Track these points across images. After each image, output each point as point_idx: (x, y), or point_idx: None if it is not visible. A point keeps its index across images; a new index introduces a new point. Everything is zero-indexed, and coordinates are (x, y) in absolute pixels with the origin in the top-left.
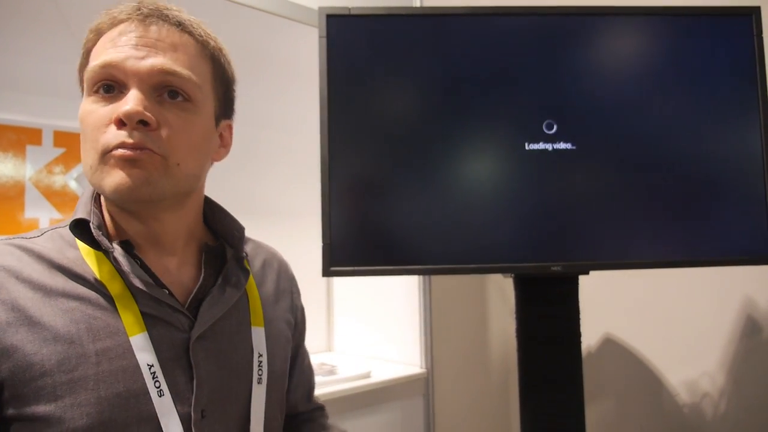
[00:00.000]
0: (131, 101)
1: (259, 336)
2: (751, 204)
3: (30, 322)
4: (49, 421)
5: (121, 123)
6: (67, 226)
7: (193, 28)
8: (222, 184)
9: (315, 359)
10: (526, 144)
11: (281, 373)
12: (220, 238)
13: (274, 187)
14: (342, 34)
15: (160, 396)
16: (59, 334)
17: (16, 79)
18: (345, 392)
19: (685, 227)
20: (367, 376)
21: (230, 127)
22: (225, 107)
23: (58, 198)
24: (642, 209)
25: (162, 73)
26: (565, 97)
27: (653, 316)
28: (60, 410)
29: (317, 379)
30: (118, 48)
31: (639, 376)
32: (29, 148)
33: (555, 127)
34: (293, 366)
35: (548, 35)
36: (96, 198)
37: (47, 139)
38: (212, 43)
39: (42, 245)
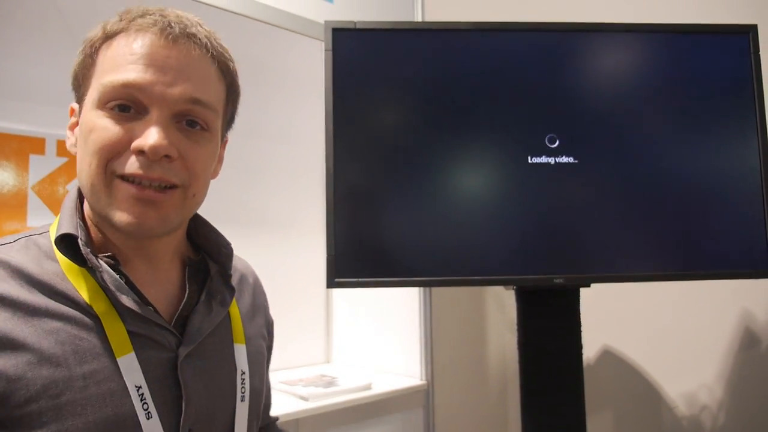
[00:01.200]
0: (155, 134)
1: (241, 353)
2: (749, 219)
3: (11, 345)
4: None
5: (140, 152)
6: (43, 234)
7: (216, 49)
8: (224, 196)
9: (314, 371)
10: (529, 158)
11: (260, 389)
12: (202, 252)
13: (276, 198)
14: (347, 48)
15: (148, 418)
16: (44, 356)
17: (19, 88)
18: (346, 404)
19: (684, 241)
20: (368, 387)
21: (226, 142)
22: (228, 125)
23: (60, 207)
24: (642, 223)
25: (190, 102)
26: (567, 111)
27: (652, 328)
28: None
29: (315, 390)
30: (143, 67)
31: (638, 388)
32: (32, 157)
33: (557, 142)
34: (266, 382)
35: (550, 51)
36: (79, 207)
37: (50, 148)
38: (231, 65)
39: (18, 257)
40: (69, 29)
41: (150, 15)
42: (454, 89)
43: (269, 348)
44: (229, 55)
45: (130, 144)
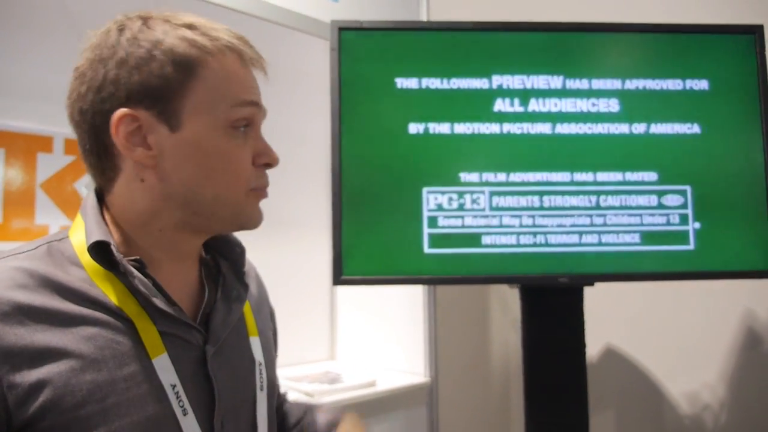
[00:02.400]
0: (273, 150)
1: (256, 345)
2: (754, 218)
3: (53, 354)
4: None
5: (264, 166)
6: (63, 240)
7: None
8: None
9: (318, 367)
10: (535, 157)
11: (274, 378)
12: (212, 251)
13: (281, 197)
14: (353, 47)
15: (184, 415)
16: (86, 362)
17: (26, 86)
18: (350, 400)
19: (690, 240)
20: (372, 384)
21: None
22: None
23: (68, 205)
24: (648, 221)
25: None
26: (572, 109)
27: (655, 327)
28: None
29: (320, 387)
30: (255, 88)
31: (640, 387)
32: (40, 155)
33: (563, 139)
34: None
35: (554, 50)
36: (102, 212)
37: (58, 146)
38: None
39: (43, 265)
40: (76, 29)
41: (237, 39)
42: (460, 88)
43: (274, 335)
44: None
45: (253, 160)
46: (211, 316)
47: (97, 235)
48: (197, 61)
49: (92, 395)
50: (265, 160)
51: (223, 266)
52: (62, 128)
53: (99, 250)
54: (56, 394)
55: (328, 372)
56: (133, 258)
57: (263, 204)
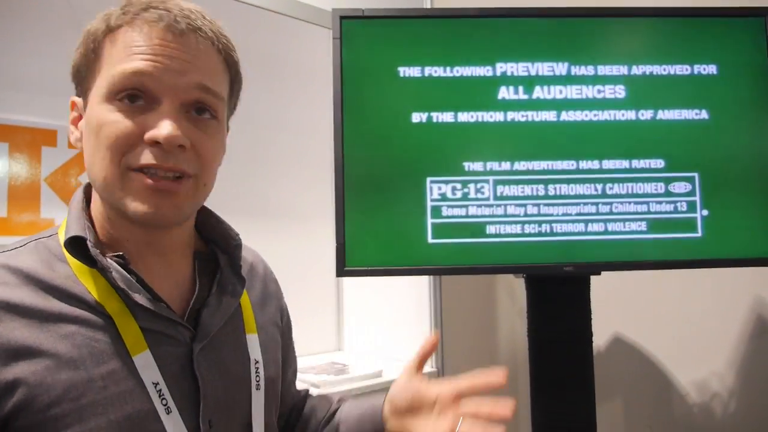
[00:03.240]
0: (169, 125)
1: (253, 343)
2: (763, 205)
3: (29, 352)
4: None
5: (154, 144)
6: (52, 236)
7: (220, 41)
8: (234, 185)
9: (325, 358)
10: (540, 145)
11: (275, 377)
12: (211, 245)
13: (286, 188)
14: (355, 36)
15: (168, 413)
16: (62, 361)
17: (30, 80)
18: (357, 391)
19: (698, 227)
20: (379, 375)
21: (228, 130)
22: (230, 114)
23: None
24: (655, 209)
25: (199, 90)
26: (578, 96)
27: (663, 315)
28: None
29: (327, 378)
30: (152, 56)
31: (648, 376)
32: (44, 149)
33: (568, 127)
34: (288, 366)
35: (559, 36)
36: (85, 207)
37: (62, 140)
38: (234, 55)
39: (29, 262)
40: (79, 22)
41: (154, 9)
42: (464, 76)
43: (287, 333)
44: (232, 45)
45: (143, 136)
46: (201, 312)
47: (74, 230)
48: (104, 37)
49: (67, 394)
50: (149, 134)
51: (222, 260)
52: (66, 122)
53: (75, 246)
54: (30, 394)
55: (335, 363)
56: (116, 254)
57: (263, 193)
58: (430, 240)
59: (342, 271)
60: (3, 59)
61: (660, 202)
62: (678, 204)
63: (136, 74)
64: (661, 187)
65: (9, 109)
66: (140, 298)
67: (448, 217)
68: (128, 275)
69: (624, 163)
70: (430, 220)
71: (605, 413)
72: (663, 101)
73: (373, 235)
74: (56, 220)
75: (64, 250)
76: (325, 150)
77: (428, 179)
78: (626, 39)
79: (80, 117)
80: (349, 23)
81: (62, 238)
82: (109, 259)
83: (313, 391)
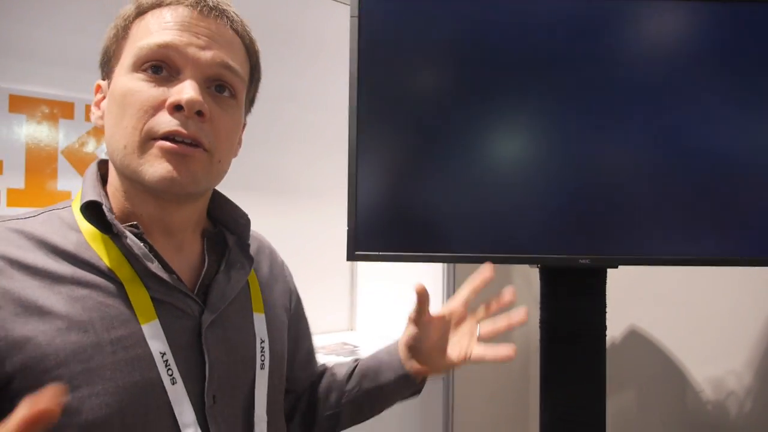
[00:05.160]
0: (191, 89)
1: (260, 322)
2: None
3: (40, 312)
4: (66, 412)
5: (175, 109)
6: (65, 208)
7: (244, 30)
8: (250, 163)
9: (337, 338)
10: (561, 130)
11: (281, 357)
12: (219, 225)
13: (299, 165)
14: (375, 12)
15: (173, 384)
16: (72, 323)
17: (48, 51)
18: None
19: (719, 224)
20: None
21: (245, 126)
22: (249, 108)
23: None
24: (676, 203)
25: (221, 66)
26: (600, 83)
27: (681, 310)
28: (77, 401)
29: (337, 359)
30: (178, 32)
31: (663, 371)
32: (62, 121)
33: (591, 113)
34: (300, 347)
35: (587, 17)
36: (100, 179)
37: (79, 112)
38: (255, 47)
39: (41, 229)
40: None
41: None
42: (488, 53)
43: (297, 315)
44: (254, 39)
45: (164, 104)
46: (210, 288)
47: (90, 196)
48: (134, 19)
49: (76, 356)
50: (171, 99)
51: (230, 240)
52: (82, 94)
53: (92, 211)
54: (39, 353)
55: (346, 344)
56: (131, 223)
57: (279, 172)
58: (445, 226)
59: (353, 255)
60: (22, 31)
61: (683, 195)
62: (703, 198)
63: (161, 46)
64: (685, 180)
65: (27, 81)
66: (154, 267)
67: (465, 203)
68: (142, 245)
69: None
70: (446, 206)
71: (616, 406)
72: (691, 90)
73: (386, 219)
74: (73, 192)
75: (78, 218)
76: (338, 127)
77: (445, 163)
78: (654, 23)
79: (104, 98)
80: (367, 0)
81: (76, 207)
82: (123, 227)
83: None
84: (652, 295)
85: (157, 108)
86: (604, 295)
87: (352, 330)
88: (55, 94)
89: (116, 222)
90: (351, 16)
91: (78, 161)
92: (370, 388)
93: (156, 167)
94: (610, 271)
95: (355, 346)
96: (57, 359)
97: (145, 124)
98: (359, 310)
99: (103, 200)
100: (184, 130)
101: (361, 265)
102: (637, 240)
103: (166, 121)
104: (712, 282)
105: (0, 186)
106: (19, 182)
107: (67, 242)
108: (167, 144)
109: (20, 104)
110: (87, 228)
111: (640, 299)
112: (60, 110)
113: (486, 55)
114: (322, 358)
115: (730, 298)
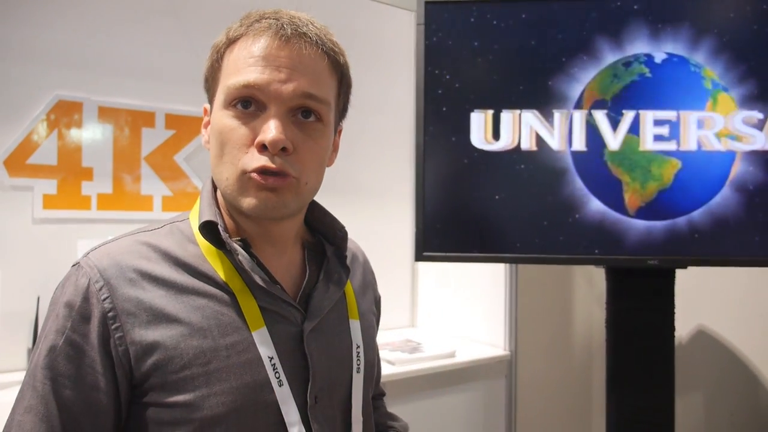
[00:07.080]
0: (274, 129)
1: (356, 328)
2: None
3: (167, 319)
4: (189, 408)
5: (263, 148)
6: (184, 221)
7: (326, 45)
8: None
9: (399, 335)
10: (625, 134)
11: (372, 362)
12: (317, 235)
13: (368, 168)
14: (440, 21)
15: (280, 385)
16: (194, 329)
17: (130, 64)
18: (430, 370)
19: None
20: (452, 355)
21: (341, 131)
22: (342, 115)
23: (169, 177)
24: (748, 203)
25: (303, 97)
26: (658, 87)
27: (752, 311)
28: (199, 399)
29: (401, 355)
30: (261, 68)
31: (732, 371)
32: (144, 130)
33: (653, 118)
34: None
35: (647, 20)
36: (215, 196)
37: (159, 121)
38: (342, 59)
39: (165, 242)
40: (177, 15)
41: (266, 19)
42: (551, 60)
43: (377, 322)
44: (340, 49)
45: (254, 141)
46: (311, 296)
47: (207, 216)
48: (225, 49)
49: (197, 359)
50: (258, 139)
51: (328, 250)
52: (164, 104)
53: (208, 230)
54: (166, 356)
55: (409, 341)
56: (239, 238)
57: (344, 172)
58: (510, 228)
59: (420, 256)
60: (108, 46)
61: (755, 195)
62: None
63: (246, 87)
64: (757, 178)
65: (113, 93)
66: (259, 279)
67: (529, 205)
68: (250, 258)
69: None
70: (510, 208)
71: (684, 405)
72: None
73: (451, 221)
74: (154, 197)
75: (195, 233)
76: (409, 132)
77: (509, 168)
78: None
79: (209, 122)
80: (433, 9)
81: (193, 221)
82: (235, 243)
83: (387, 371)
84: (720, 295)
85: (248, 145)
86: (673, 295)
87: (413, 326)
88: (137, 104)
89: (230, 240)
90: (417, 24)
91: (159, 167)
92: None
93: (251, 199)
94: (677, 271)
95: (418, 343)
96: (182, 362)
97: (240, 160)
98: (420, 308)
99: (218, 219)
100: (272, 165)
101: (422, 264)
102: (706, 241)
103: (256, 158)
104: None
105: (91, 191)
106: (107, 187)
107: (188, 255)
108: (259, 180)
109: (108, 115)
110: (203, 241)
111: (708, 300)
112: (142, 119)
113: (546, 63)
114: (388, 354)
115: None
